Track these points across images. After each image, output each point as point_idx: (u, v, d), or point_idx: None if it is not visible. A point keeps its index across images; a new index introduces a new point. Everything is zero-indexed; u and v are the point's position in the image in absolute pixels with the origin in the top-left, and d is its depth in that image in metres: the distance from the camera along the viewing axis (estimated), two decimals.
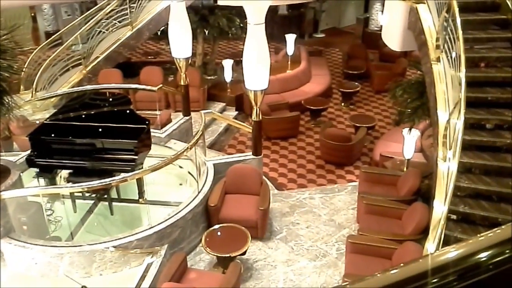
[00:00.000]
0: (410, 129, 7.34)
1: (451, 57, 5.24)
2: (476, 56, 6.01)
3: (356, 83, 12.20)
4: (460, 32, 5.07)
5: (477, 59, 6.04)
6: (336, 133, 9.50)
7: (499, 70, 5.88)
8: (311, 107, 10.87)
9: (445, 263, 1.07)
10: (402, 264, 1.11)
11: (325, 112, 11.28)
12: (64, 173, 6.96)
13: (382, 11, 12.33)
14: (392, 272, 1.09)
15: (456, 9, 5.24)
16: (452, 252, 1.09)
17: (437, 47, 5.74)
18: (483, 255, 1.08)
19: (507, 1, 6.08)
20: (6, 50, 4.73)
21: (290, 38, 12.54)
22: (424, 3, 6.35)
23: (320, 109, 10.98)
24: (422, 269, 1.07)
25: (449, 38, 5.34)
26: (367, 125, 9.97)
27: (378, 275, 1.09)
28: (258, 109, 7.05)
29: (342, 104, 11.96)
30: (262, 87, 6.80)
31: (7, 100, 4.80)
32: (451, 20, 5.32)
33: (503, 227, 1.15)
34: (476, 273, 1.07)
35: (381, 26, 10.66)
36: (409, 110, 6.94)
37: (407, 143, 7.45)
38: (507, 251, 1.08)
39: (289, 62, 12.54)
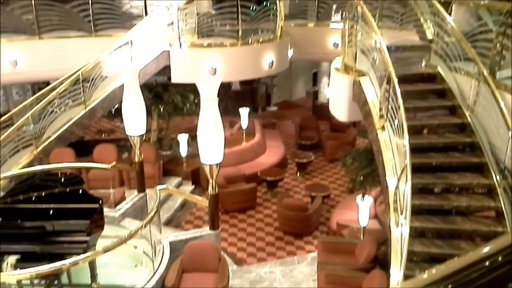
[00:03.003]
0: (363, 196, 7.51)
1: (394, 125, 5.52)
2: (418, 124, 6.35)
3: (310, 153, 12.53)
4: (400, 101, 5.39)
5: (419, 126, 6.38)
6: (293, 203, 9.57)
7: (441, 136, 6.21)
8: (267, 178, 10.99)
9: None
10: None
11: (281, 182, 11.42)
12: (12, 259, 6.58)
13: (329, 84, 13.01)
14: None
15: (395, 81, 5.60)
16: None
17: (381, 116, 6.05)
18: None
19: (441, 73, 6.56)
20: None
21: (244, 111, 12.89)
22: (366, 75, 6.76)
23: (276, 180, 11.11)
24: None
25: (392, 108, 5.66)
26: (322, 194, 10.12)
27: None
28: (214, 183, 7.06)
29: (298, 174, 12.16)
30: (217, 160, 6.87)
31: None
32: (392, 91, 5.67)
33: None
34: None
35: (328, 98, 11.20)
36: (361, 178, 7.14)
37: (362, 210, 7.59)
38: None
39: (244, 135, 12.79)
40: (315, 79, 18.31)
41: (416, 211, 5.17)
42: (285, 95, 18.90)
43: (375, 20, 6.78)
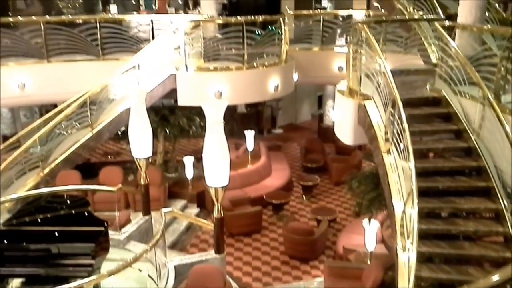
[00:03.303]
0: (369, 220, 7.46)
1: (400, 149, 5.52)
2: (424, 147, 6.36)
3: (316, 176, 12.51)
4: (406, 125, 5.41)
5: (425, 150, 6.38)
6: (299, 227, 9.52)
7: (447, 160, 6.20)
8: (273, 201, 10.95)
9: None
10: None
11: (287, 205, 11.37)
12: (16, 282, 6.54)
13: (334, 108, 13.07)
14: None
15: (400, 104, 5.63)
16: None
17: (387, 140, 6.06)
18: None
19: (446, 97, 6.59)
20: None
21: (249, 134, 12.93)
22: (371, 99, 6.79)
23: (281, 203, 11.07)
24: None
25: (397, 131, 5.68)
26: (328, 218, 10.06)
27: None
28: (219, 206, 7.05)
29: (303, 197, 12.12)
30: (223, 183, 6.87)
31: None
32: (397, 115, 5.69)
33: None
34: None
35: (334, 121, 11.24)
36: (367, 201, 7.11)
37: (368, 234, 7.53)
38: None
39: (249, 158, 12.81)
40: (320, 102, 18.40)
41: (423, 236, 5.13)
42: (290, 117, 18.98)
43: (379, 44, 6.86)
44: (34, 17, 12.60)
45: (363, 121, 6.92)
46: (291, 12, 14.00)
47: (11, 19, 14.11)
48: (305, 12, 14.49)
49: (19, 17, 14.17)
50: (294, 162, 14.71)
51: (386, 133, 6.10)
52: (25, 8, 17.52)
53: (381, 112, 6.43)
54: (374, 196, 6.95)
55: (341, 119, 7.59)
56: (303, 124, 18.95)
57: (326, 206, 11.51)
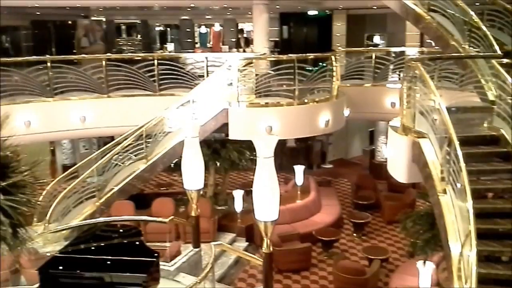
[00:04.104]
0: (424, 262, 7.18)
1: (457, 188, 5.34)
2: (482, 187, 6.10)
3: (367, 214, 12.23)
4: (462, 164, 5.23)
5: (483, 190, 6.12)
6: (349, 266, 9.28)
7: (506, 201, 5.92)
8: (323, 238, 10.77)
9: None
10: None
11: (337, 243, 11.14)
12: None
13: (386, 144, 12.86)
14: None
15: (457, 143, 5.47)
16: None
17: (442, 179, 5.87)
18: None
19: (505, 135, 6.35)
20: (26, 185, 4.92)
21: (299, 169, 12.90)
22: (426, 137, 6.65)
23: (332, 240, 10.87)
24: None
25: (453, 170, 5.50)
26: (380, 257, 9.76)
27: None
28: (268, 241, 7.01)
29: (354, 235, 11.85)
30: (272, 218, 6.86)
31: (21, 233, 4.85)
32: (453, 153, 5.53)
33: None
34: None
35: (386, 158, 11.02)
36: (421, 242, 6.86)
37: (423, 276, 7.23)
38: None
39: (298, 192, 12.73)
40: (371, 137, 18.15)
41: (482, 281, 4.86)
42: (340, 152, 18.80)
43: (433, 81, 6.75)
44: (97, 55, 13.44)
45: (418, 158, 6.75)
46: (342, 49, 14.12)
47: (75, 56, 15.07)
48: (356, 49, 14.57)
49: (83, 54, 15.11)
50: (345, 198, 14.47)
51: (442, 172, 5.92)
52: (88, 45, 18.62)
53: (436, 150, 6.27)
54: (430, 236, 6.69)
55: (395, 156, 7.45)
56: (354, 160, 18.70)
57: (378, 245, 11.19)
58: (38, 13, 17.74)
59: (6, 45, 19.03)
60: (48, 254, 7.32)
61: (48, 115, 11.39)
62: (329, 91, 11.55)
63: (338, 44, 18.37)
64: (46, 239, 9.15)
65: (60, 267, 6.53)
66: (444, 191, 5.76)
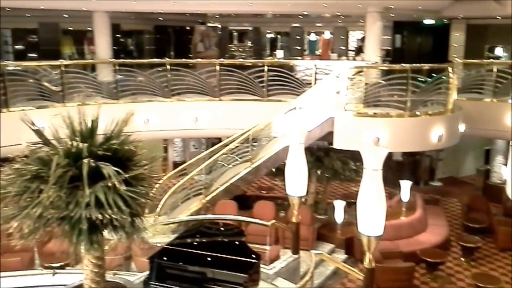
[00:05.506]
0: None
1: None
2: None
3: (477, 238, 11.35)
4: None
5: None
6: None
7: None
8: (428, 259, 10.18)
9: None
10: None
11: (442, 265, 10.47)
12: None
13: (505, 164, 11.82)
14: None
15: None
16: None
17: None
18: None
19: None
20: (145, 178, 5.27)
21: (406, 184, 12.35)
22: None
23: (437, 262, 10.23)
24: None
25: None
26: (492, 287, 8.99)
27: None
28: (371, 256, 6.79)
29: (462, 259, 11.06)
30: (377, 233, 6.62)
31: (137, 223, 5.20)
32: None
33: None
34: None
35: (505, 179, 10.14)
36: None
37: None
38: None
39: (403, 209, 12.20)
40: (487, 156, 16.82)
41: None
42: (451, 170, 17.66)
43: None
44: (211, 60, 14.11)
45: None
46: (460, 60, 13.32)
47: (192, 60, 15.93)
48: (476, 61, 13.66)
49: (198, 59, 15.92)
50: (453, 219, 13.56)
51: None
52: (203, 50, 19.60)
53: None
54: None
55: None
56: (466, 179, 17.45)
57: (488, 273, 10.31)
58: (160, 18, 19.07)
59: (131, 47, 20.73)
60: (159, 245, 7.77)
61: (164, 114, 12.20)
62: (444, 104, 10.95)
63: (455, 55, 17.33)
64: (154, 230, 9.75)
65: (167, 259, 6.88)
66: None
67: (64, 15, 16.47)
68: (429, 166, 16.98)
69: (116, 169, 4.70)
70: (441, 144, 10.96)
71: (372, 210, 6.60)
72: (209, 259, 6.86)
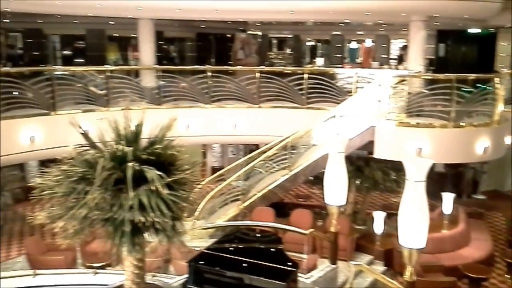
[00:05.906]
0: None
1: None
2: None
3: None
4: None
5: None
6: None
7: None
8: (471, 274, 9.83)
9: None
10: None
11: (486, 282, 10.09)
12: None
13: None
14: None
15: None
16: None
17: None
18: None
19: None
20: (186, 183, 5.33)
21: (448, 196, 12.00)
22: None
23: (480, 278, 9.86)
24: None
25: None
26: None
27: None
28: (412, 269, 6.62)
29: (507, 276, 10.63)
30: (419, 245, 6.45)
31: (178, 226, 5.27)
32: None
33: None
34: None
35: None
36: None
37: None
38: None
39: (445, 222, 11.85)
40: None
41: None
42: (496, 183, 17.03)
43: None
44: (251, 67, 14.22)
45: None
46: (508, 71, 12.89)
47: (232, 67, 16.10)
48: None
49: (239, 66, 16.07)
50: (498, 234, 13.06)
51: None
52: (244, 57, 19.77)
53: None
54: None
55: None
56: (511, 193, 16.79)
57: None
58: (202, 26, 19.38)
59: (173, 54, 21.16)
60: (198, 249, 7.85)
61: (204, 120, 12.36)
62: (490, 116, 10.62)
63: (502, 66, 16.78)
64: (192, 234, 9.85)
65: (206, 263, 6.93)
66: None
67: (110, 22, 17.00)
68: (472, 179, 16.45)
69: (159, 173, 4.78)
70: (486, 156, 10.62)
71: (414, 222, 6.45)
72: (246, 265, 6.87)
